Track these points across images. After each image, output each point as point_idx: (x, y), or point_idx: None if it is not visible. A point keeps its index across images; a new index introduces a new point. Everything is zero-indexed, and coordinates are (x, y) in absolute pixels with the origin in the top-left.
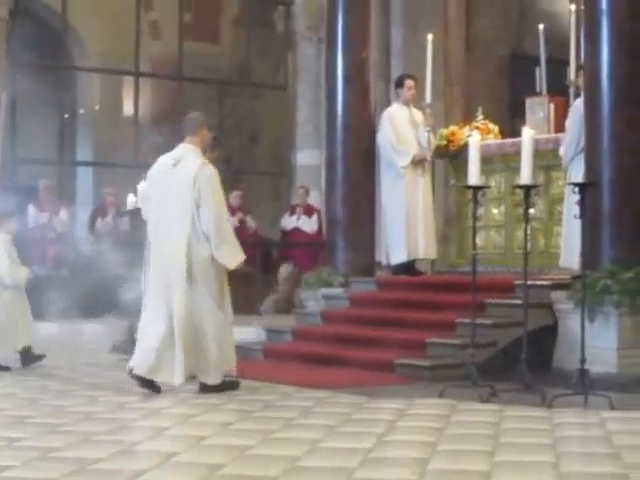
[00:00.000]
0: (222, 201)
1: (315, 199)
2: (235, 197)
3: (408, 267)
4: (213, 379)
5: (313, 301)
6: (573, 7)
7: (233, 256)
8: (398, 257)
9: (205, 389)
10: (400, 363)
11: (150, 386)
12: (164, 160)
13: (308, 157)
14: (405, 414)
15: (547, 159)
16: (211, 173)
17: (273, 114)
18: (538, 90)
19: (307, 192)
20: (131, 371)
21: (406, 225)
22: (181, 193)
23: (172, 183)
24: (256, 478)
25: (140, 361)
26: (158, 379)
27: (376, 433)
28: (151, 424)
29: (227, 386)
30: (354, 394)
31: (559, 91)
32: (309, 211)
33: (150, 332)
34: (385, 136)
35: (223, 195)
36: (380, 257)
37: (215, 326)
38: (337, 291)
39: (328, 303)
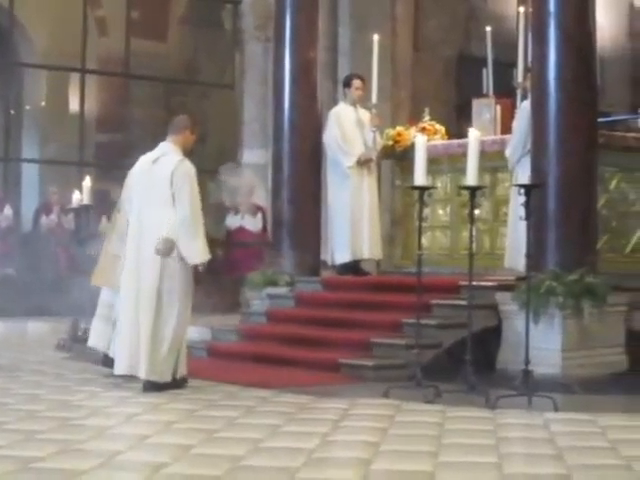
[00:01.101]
0: (197, 197)
1: (261, 198)
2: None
3: (353, 267)
4: (163, 377)
5: (258, 300)
6: (522, 9)
7: (201, 253)
8: (342, 257)
9: (152, 387)
10: (344, 363)
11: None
12: (145, 159)
13: (255, 156)
14: (349, 414)
15: (493, 160)
16: (188, 168)
17: (220, 113)
18: (485, 91)
19: (251, 191)
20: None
21: (351, 225)
22: (161, 189)
23: (152, 180)
24: (199, 477)
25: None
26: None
27: (320, 433)
28: (94, 423)
29: (173, 385)
30: (298, 394)
31: (506, 93)
32: (253, 210)
33: (128, 331)
34: (331, 136)
35: (199, 191)
36: (325, 257)
37: (176, 325)
38: (282, 290)
39: (273, 302)
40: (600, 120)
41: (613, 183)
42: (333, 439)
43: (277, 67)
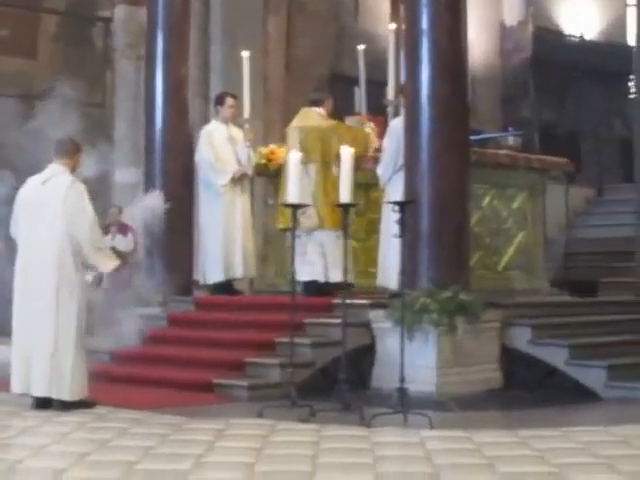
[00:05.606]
0: (93, 213)
1: (128, 217)
2: None
3: (226, 286)
4: (72, 396)
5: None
6: (393, 26)
7: (110, 260)
8: (215, 276)
9: (65, 406)
10: (218, 383)
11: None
12: (34, 180)
13: (126, 175)
14: (223, 435)
15: (366, 178)
16: (82, 188)
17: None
18: (357, 110)
19: (120, 210)
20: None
21: (223, 244)
22: (55, 208)
23: (43, 200)
24: None
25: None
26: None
27: (194, 454)
28: None
29: (84, 404)
30: (172, 414)
31: (378, 112)
32: (123, 230)
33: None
34: (203, 155)
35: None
36: (197, 276)
37: (75, 345)
38: (155, 311)
39: (146, 323)
40: (472, 138)
41: (486, 200)
42: (207, 460)
43: (148, 85)
